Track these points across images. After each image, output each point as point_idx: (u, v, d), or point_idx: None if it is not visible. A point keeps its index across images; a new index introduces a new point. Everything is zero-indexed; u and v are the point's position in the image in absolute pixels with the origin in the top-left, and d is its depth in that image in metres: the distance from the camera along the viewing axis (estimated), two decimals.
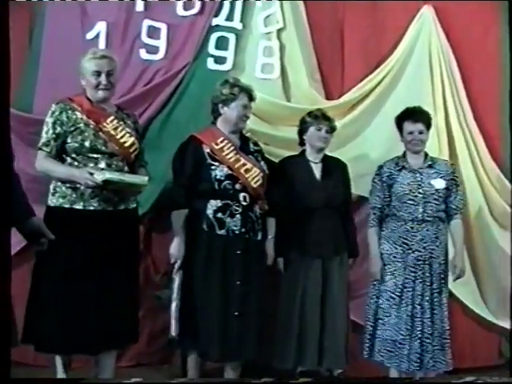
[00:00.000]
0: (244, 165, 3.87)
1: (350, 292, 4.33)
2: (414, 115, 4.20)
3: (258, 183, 3.87)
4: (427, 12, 4.88)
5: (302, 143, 4.30)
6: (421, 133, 4.16)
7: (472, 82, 4.96)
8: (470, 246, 4.78)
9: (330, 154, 4.34)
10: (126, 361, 4.33)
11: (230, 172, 3.81)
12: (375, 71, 4.81)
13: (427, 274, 4.06)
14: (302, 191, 4.13)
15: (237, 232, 3.80)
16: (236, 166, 3.84)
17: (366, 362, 4.20)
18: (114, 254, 3.46)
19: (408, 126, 4.17)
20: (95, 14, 4.47)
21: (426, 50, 4.90)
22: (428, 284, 4.06)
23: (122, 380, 2.70)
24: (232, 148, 3.88)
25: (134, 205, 3.70)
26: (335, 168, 4.26)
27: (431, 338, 4.01)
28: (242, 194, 3.84)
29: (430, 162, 4.19)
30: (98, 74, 3.59)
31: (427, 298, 4.04)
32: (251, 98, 3.98)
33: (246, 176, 3.85)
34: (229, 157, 3.86)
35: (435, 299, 4.06)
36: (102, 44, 4.41)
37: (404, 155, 4.22)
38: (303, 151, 4.29)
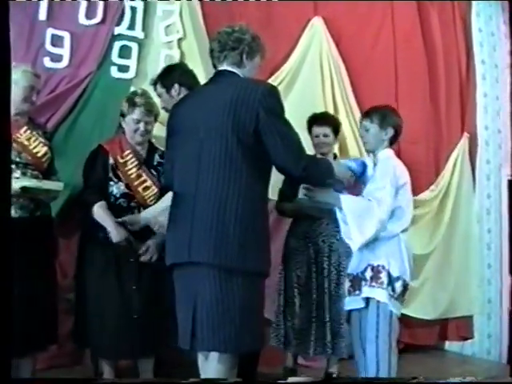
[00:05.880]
0: (144, 182, 3.95)
1: None
2: (320, 119, 4.52)
3: (154, 201, 3.86)
4: (318, 22, 5.20)
5: None
6: (325, 136, 4.47)
7: (361, 86, 5.33)
8: None
9: None
10: (38, 364, 4.30)
11: (126, 190, 3.90)
12: (270, 78, 5.00)
13: (325, 266, 4.32)
14: None
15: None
16: (135, 184, 3.93)
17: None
18: (32, 259, 3.54)
19: (315, 130, 4.48)
20: None
21: (317, 57, 5.22)
22: (326, 275, 4.32)
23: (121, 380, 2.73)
24: (136, 163, 3.97)
25: (48, 211, 3.78)
26: None
27: (328, 326, 4.26)
28: (136, 211, 3.90)
29: None
30: (31, 88, 3.69)
31: (325, 290, 4.30)
32: (150, 113, 4.03)
33: (143, 194, 3.93)
34: (130, 172, 3.95)
35: (333, 291, 4.30)
36: None
37: None
38: None
